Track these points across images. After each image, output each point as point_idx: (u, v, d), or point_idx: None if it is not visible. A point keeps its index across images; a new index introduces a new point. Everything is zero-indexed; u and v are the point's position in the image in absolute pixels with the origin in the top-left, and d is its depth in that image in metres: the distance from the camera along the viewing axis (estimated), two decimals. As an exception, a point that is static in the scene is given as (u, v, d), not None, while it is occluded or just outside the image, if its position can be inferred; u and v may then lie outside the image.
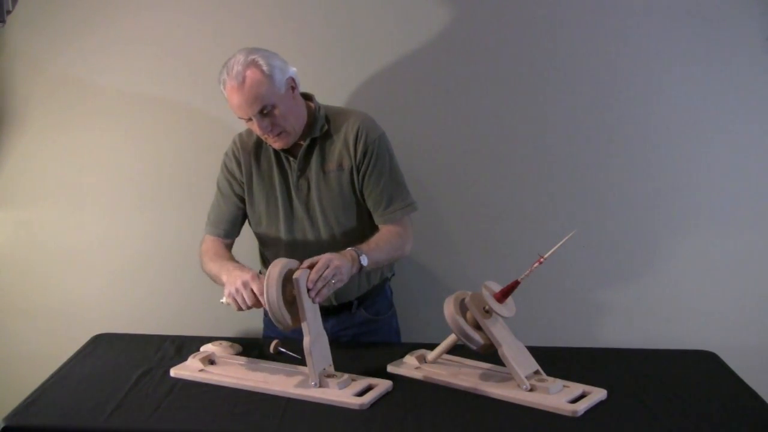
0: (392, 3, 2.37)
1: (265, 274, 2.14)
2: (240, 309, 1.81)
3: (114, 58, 2.42)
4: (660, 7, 2.34)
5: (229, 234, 2.09)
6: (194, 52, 2.41)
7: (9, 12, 2.28)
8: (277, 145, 1.97)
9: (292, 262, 1.79)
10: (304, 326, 1.74)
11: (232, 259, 2.00)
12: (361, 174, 2.00)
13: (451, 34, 2.38)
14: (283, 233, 2.05)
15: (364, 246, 1.93)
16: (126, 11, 2.39)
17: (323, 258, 1.79)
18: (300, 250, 2.05)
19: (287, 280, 1.75)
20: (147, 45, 2.41)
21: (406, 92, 2.42)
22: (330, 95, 2.13)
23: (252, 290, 1.79)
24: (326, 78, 2.37)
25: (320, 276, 1.75)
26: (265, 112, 1.88)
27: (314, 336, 1.74)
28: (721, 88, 2.38)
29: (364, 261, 1.89)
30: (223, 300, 1.84)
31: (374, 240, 1.97)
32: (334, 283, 1.78)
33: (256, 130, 1.93)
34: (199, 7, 2.39)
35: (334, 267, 1.78)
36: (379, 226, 2.03)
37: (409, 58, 2.39)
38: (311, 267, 1.77)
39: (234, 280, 1.82)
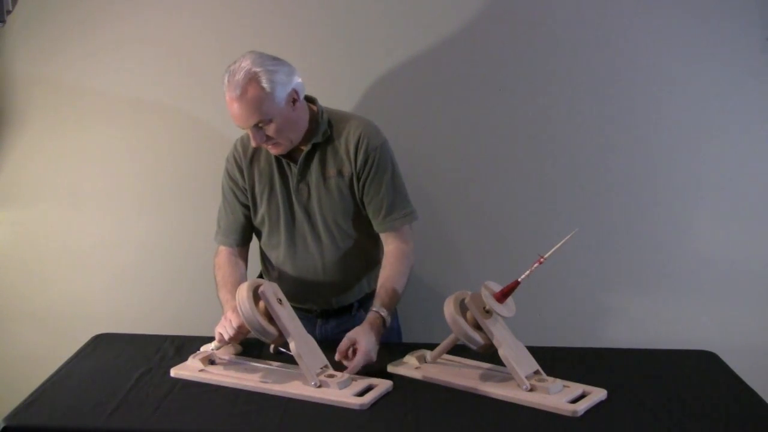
0: (395, 7, 2.37)
1: (266, 276, 2.17)
2: (228, 342, 1.89)
3: (114, 58, 2.42)
4: (660, 7, 2.35)
5: (240, 242, 2.10)
6: (195, 54, 2.41)
7: (9, 12, 2.28)
8: (273, 151, 1.97)
9: (258, 281, 1.82)
10: (285, 332, 1.75)
11: (236, 283, 1.98)
12: (361, 182, 1.99)
13: (450, 37, 2.38)
14: (283, 237, 2.04)
15: (379, 300, 1.93)
16: (126, 12, 2.39)
17: (360, 351, 1.80)
18: (301, 254, 2.05)
19: (258, 298, 1.78)
20: (147, 46, 2.41)
21: (407, 93, 2.42)
22: (331, 98, 2.13)
23: (230, 320, 1.86)
24: (328, 81, 2.36)
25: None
26: (260, 126, 1.88)
27: (299, 339, 1.75)
28: (721, 88, 2.38)
29: (389, 321, 1.93)
30: (212, 346, 1.90)
31: (388, 283, 1.95)
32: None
33: (251, 139, 1.93)
34: (200, 10, 2.39)
35: (370, 358, 1.82)
36: (385, 248, 2.03)
37: (410, 60, 2.40)
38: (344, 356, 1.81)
39: (220, 323, 1.91)
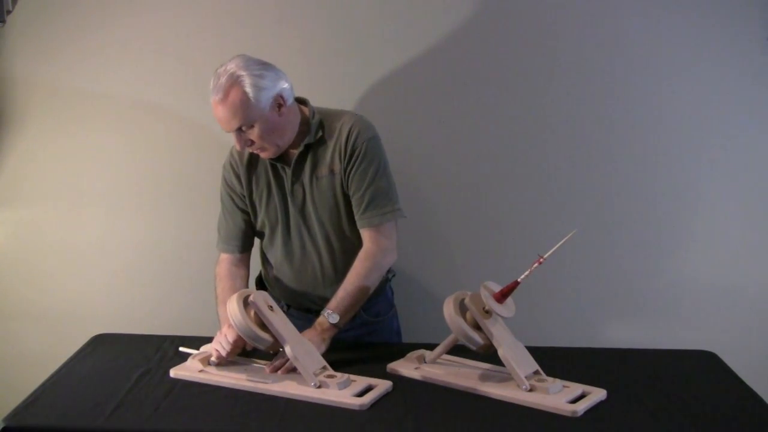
0: (392, 6, 2.37)
1: (265, 276, 2.17)
2: (226, 357, 1.86)
3: (114, 59, 2.42)
4: (660, 8, 2.34)
5: (242, 248, 2.10)
6: (194, 55, 2.41)
7: (9, 12, 2.28)
8: (261, 156, 1.98)
9: (247, 291, 1.82)
10: (279, 337, 1.75)
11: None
12: (347, 174, 1.98)
13: (448, 37, 2.38)
14: (281, 238, 2.05)
15: (333, 303, 1.93)
16: (126, 13, 2.39)
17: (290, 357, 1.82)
18: (298, 255, 2.05)
19: (249, 307, 1.78)
20: (147, 47, 2.41)
21: (405, 93, 2.42)
22: (327, 97, 2.13)
23: (225, 335, 1.85)
24: (324, 80, 2.36)
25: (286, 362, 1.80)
26: (243, 129, 1.88)
27: (294, 343, 1.75)
28: (721, 88, 2.38)
29: (333, 319, 1.91)
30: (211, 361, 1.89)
31: (346, 284, 1.95)
32: None
33: (235, 143, 1.93)
34: (199, 11, 2.39)
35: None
36: (362, 236, 2.01)
37: (408, 59, 2.39)
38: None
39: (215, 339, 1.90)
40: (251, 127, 1.87)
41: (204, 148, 2.44)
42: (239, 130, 1.88)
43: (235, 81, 1.84)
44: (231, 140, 2.12)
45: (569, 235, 1.73)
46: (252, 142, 1.91)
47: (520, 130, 2.44)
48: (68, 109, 2.45)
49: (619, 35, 2.37)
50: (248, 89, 1.84)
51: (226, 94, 1.83)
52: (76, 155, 2.48)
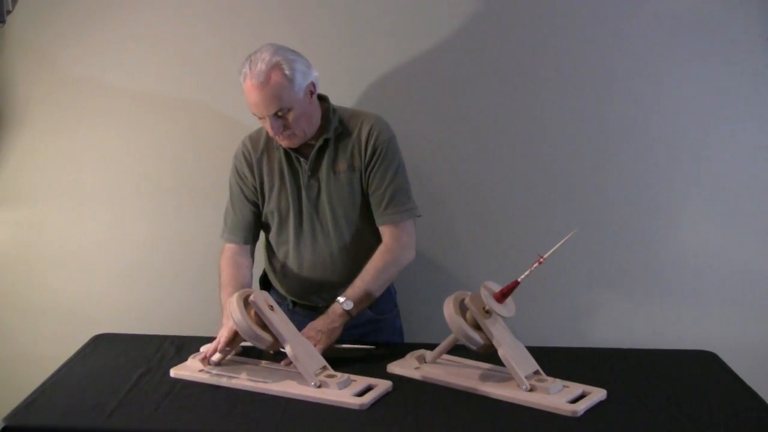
0: (397, 5, 2.37)
1: (270, 273, 2.17)
2: (220, 358, 1.87)
3: (115, 57, 2.42)
4: (660, 8, 2.34)
5: (247, 239, 2.11)
6: (197, 52, 2.41)
7: (9, 12, 2.28)
8: (285, 144, 1.99)
9: (248, 290, 1.83)
10: (280, 337, 1.76)
11: (237, 286, 2.01)
12: (368, 172, 2.01)
13: (452, 36, 2.38)
14: (292, 232, 2.05)
15: (349, 290, 1.96)
16: (128, 10, 2.39)
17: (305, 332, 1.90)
18: (309, 249, 2.06)
19: (250, 307, 1.78)
20: (149, 44, 2.41)
21: (409, 93, 2.42)
22: (333, 97, 2.13)
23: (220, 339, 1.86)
24: (330, 79, 2.36)
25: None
26: (279, 114, 1.90)
27: (294, 343, 1.76)
28: (721, 88, 2.38)
29: (348, 306, 1.94)
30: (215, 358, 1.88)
31: (363, 274, 1.98)
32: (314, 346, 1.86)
33: (268, 128, 1.94)
34: (202, 7, 2.39)
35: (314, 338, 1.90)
36: (381, 233, 2.03)
37: (413, 59, 2.39)
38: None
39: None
40: (288, 111, 1.90)
41: (205, 147, 2.44)
42: (275, 114, 1.90)
43: (275, 65, 1.87)
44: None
45: (569, 235, 1.73)
46: (284, 128, 1.93)
47: (520, 130, 2.44)
48: (68, 108, 2.45)
49: (619, 35, 2.37)
50: (288, 72, 1.88)
51: (267, 78, 1.86)
52: (76, 154, 2.48)
